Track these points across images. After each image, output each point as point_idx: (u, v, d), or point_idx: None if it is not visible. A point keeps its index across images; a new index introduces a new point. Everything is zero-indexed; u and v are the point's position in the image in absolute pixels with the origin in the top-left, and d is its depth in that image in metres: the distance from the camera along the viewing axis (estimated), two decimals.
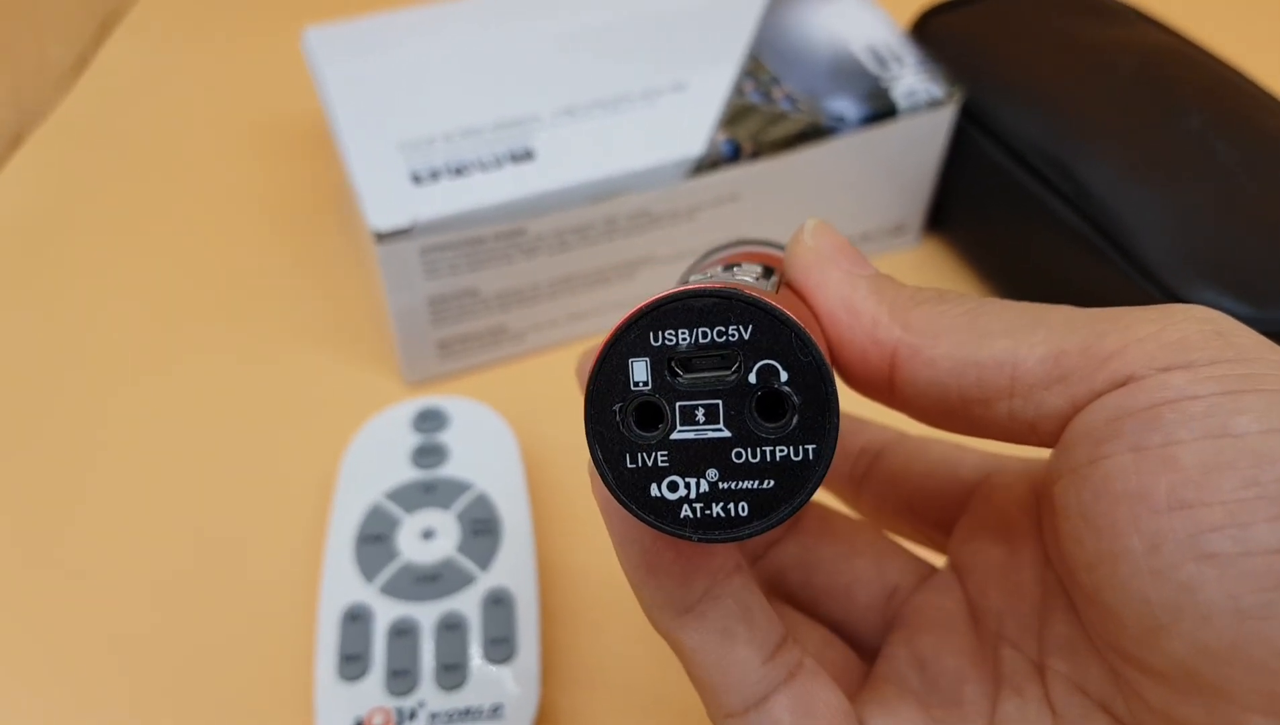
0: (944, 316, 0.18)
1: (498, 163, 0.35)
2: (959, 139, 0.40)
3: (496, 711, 0.28)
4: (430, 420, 0.33)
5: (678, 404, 0.15)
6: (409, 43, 0.39)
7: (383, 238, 0.33)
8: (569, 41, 0.40)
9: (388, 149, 0.35)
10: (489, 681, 0.28)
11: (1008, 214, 0.39)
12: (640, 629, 0.31)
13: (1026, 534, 0.20)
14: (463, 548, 0.30)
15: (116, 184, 0.45)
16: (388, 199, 0.34)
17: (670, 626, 0.17)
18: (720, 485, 0.15)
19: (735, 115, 0.37)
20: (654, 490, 0.15)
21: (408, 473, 0.32)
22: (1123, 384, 0.16)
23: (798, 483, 0.15)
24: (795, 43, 0.40)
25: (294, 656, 0.30)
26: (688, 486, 0.15)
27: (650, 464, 0.15)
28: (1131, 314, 0.16)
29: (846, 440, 0.24)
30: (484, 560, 0.30)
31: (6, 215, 0.44)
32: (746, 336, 0.15)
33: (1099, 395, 0.16)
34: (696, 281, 0.16)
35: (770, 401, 0.15)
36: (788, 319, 0.15)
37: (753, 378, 0.15)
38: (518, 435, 0.34)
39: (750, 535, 0.15)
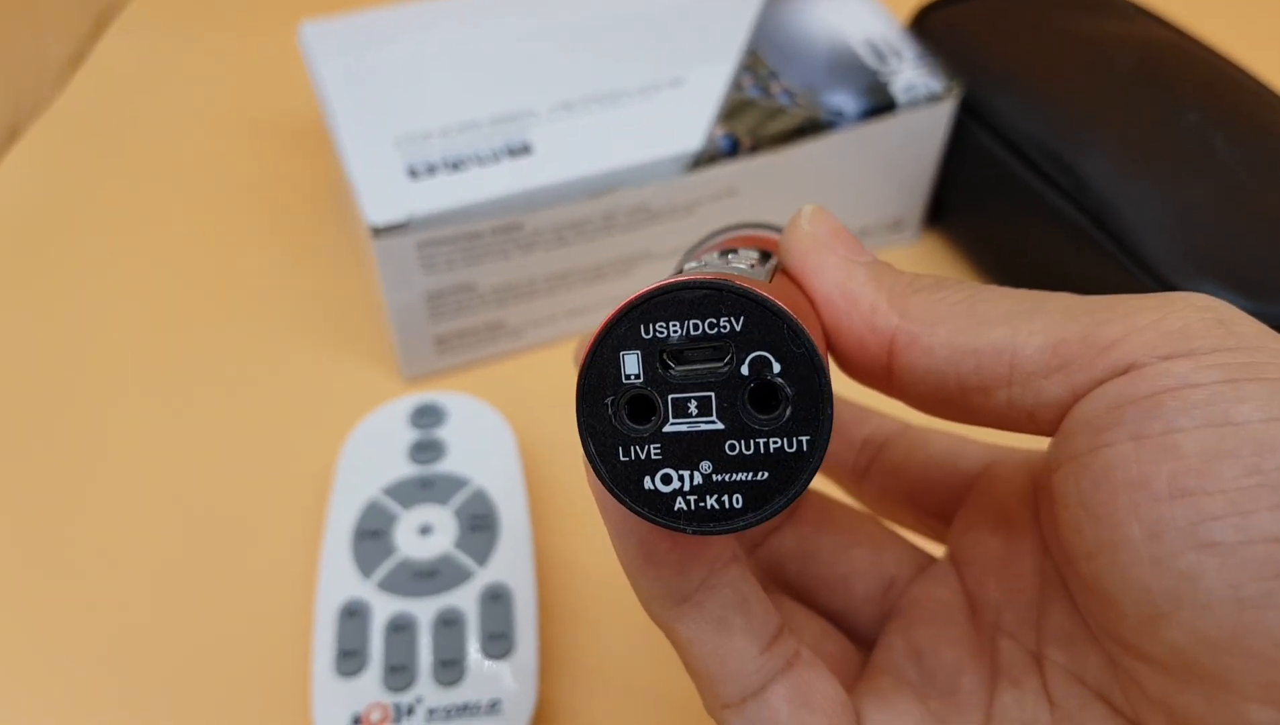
0: (942, 303, 0.17)
1: (495, 157, 0.35)
2: (958, 134, 0.40)
3: (494, 707, 0.27)
4: (428, 416, 0.33)
5: (670, 396, 0.15)
6: (405, 37, 0.39)
7: (379, 232, 0.33)
8: (566, 36, 0.39)
9: (384, 144, 0.35)
10: (487, 677, 0.28)
11: (1007, 209, 0.39)
12: (638, 623, 0.31)
13: (1025, 525, 0.20)
14: (460, 543, 0.30)
15: (112, 179, 0.45)
16: (384, 194, 0.34)
17: (667, 617, 0.17)
18: (714, 477, 0.15)
19: (733, 110, 0.37)
20: (648, 483, 0.15)
21: (405, 468, 0.32)
22: (1124, 372, 0.16)
23: (792, 474, 0.15)
24: (793, 37, 0.40)
25: (291, 652, 0.30)
26: (681, 479, 0.15)
27: (643, 457, 0.15)
28: (1132, 302, 0.16)
29: (850, 430, 0.24)
30: (482, 556, 0.30)
31: (2, 211, 0.44)
32: (738, 328, 0.15)
33: (1099, 383, 0.16)
34: (691, 270, 0.16)
35: (763, 393, 0.15)
36: (780, 310, 0.14)
37: (745, 369, 0.15)
38: (515, 431, 0.34)
39: (745, 527, 0.15)
